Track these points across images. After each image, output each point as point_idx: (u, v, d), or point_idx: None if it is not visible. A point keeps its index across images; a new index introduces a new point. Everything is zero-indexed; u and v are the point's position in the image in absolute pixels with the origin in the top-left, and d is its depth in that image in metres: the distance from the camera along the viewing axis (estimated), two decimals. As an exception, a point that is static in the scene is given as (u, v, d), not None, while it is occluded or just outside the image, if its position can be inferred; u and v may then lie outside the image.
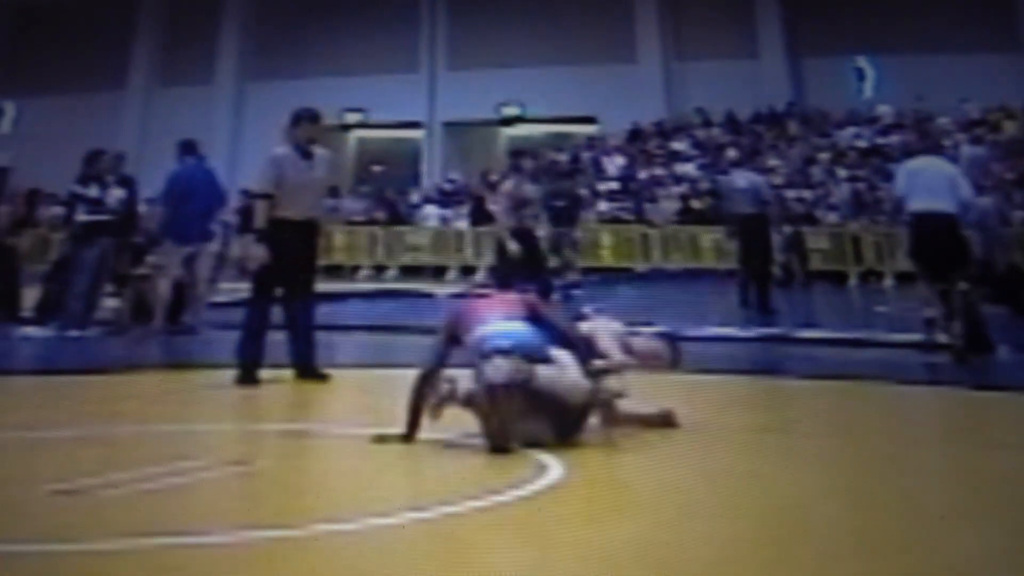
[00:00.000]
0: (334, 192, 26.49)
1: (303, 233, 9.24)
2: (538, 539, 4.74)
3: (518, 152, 17.21)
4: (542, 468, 5.82)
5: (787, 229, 22.81)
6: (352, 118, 35.85)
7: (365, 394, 9.33)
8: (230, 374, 9.14)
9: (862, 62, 31.73)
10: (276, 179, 9.11)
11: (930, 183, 10.77)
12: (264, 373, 9.12)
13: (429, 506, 5.09)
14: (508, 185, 15.52)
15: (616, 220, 27.20)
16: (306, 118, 9.32)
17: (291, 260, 9.14)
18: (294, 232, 9.14)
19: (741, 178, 16.83)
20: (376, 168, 36.91)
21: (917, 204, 10.76)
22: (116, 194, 13.61)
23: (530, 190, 15.31)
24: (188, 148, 13.98)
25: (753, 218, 16.28)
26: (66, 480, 5.46)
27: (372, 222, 29.59)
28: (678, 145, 30.23)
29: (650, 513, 5.23)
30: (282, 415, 8.33)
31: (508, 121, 34.04)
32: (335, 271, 25.68)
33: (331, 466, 6.48)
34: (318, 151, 9.40)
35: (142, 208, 14.92)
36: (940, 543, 4.61)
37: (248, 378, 9.03)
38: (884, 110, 29.93)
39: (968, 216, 10.93)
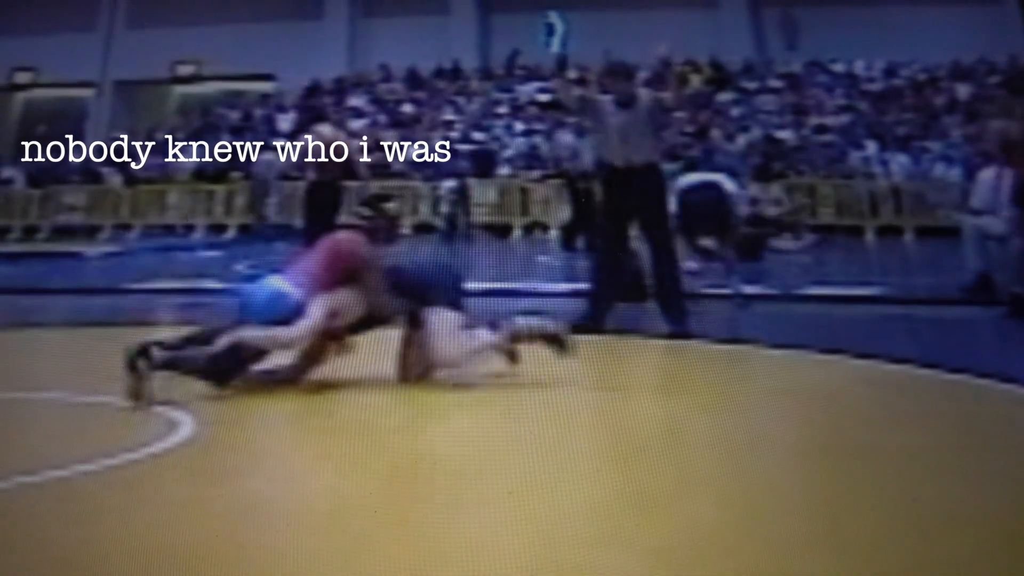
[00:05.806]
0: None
1: None
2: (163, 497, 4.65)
3: None
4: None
5: (452, 183, 22.45)
6: (22, 78, 33.45)
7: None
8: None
9: (553, 17, 31.06)
10: None
11: None
12: None
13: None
14: None
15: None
16: None
17: None
18: None
19: None
20: (41, 128, 34.45)
21: None
22: None
23: None
24: None
25: None
26: None
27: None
28: (355, 101, 28.72)
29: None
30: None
31: (182, 79, 32.07)
32: None
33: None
34: None
35: None
36: None
37: None
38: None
39: None
